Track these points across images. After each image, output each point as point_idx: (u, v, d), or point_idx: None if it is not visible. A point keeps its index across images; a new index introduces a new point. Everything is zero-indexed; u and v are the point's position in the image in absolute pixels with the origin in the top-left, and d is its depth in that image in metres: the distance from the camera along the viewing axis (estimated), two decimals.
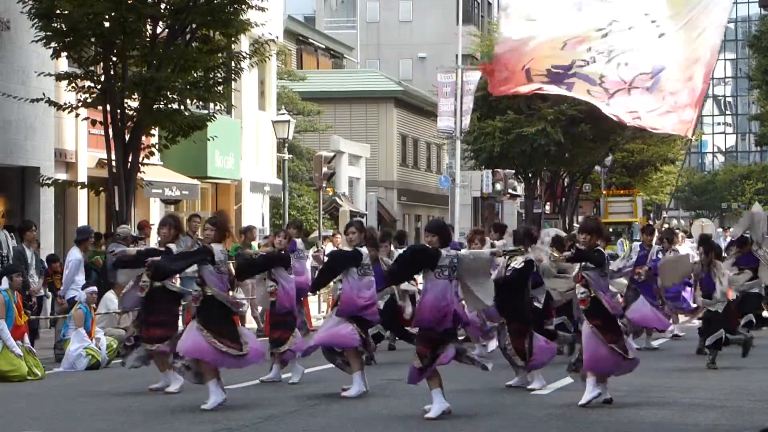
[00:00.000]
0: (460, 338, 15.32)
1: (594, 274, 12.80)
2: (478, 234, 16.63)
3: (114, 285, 19.07)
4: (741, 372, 16.69)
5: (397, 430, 11.25)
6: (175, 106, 23.06)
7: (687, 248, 22.60)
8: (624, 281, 18.23)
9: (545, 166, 49.67)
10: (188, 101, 23.41)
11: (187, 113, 23.26)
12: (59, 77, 22.75)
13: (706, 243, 17.21)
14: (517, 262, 14.19)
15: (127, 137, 22.85)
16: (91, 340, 17.07)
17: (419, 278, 13.21)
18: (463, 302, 12.40)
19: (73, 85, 22.72)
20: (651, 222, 62.92)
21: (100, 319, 18.21)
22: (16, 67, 23.55)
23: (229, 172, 31.43)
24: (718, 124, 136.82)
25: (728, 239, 44.24)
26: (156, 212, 29.23)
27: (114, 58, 22.65)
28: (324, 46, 58.37)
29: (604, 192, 57.87)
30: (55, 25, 22.23)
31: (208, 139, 25.87)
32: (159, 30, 22.95)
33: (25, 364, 15.71)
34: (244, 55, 24.36)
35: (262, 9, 23.24)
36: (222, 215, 13.77)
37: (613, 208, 55.37)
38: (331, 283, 16.32)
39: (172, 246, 13.80)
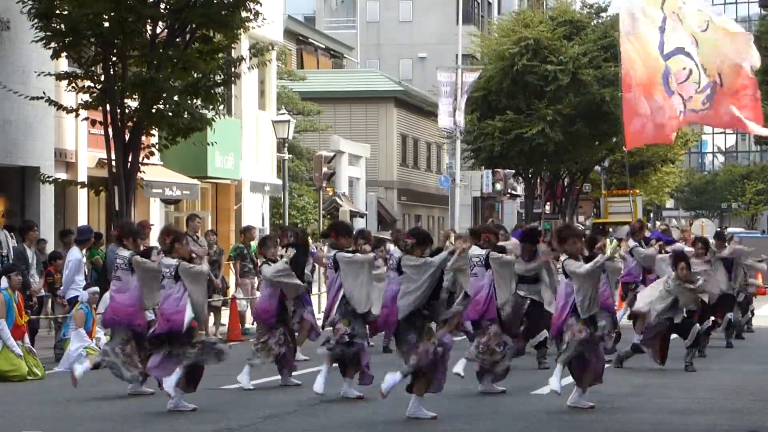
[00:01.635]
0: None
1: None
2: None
3: None
4: (741, 372, 16.70)
5: (398, 430, 11.25)
6: (175, 106, 23.03)
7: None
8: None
9: (545, 166, 49.67)
10: (187, 105, 23.31)
11: (186, 116, 23.20)
12: (59, 77, 22.73)
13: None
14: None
15: (127, 137, 22.84)
16: (92, 340, 17.08)
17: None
18: None
19: (74, 85, 22.71)
20: (650, 222, 62.93)
21: (101, 319, 18.21)
22: (16, 67, 23.53)
23: (229, 172, 31.41)
24: None
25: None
26: (156, 212, 29.22)
27: (114, 59, 22.63)
28: (324, 46, 58.38)
29: (604, 192, 57.87)
30: (55, 25, 22.21)
31: (209, 144, 25.86)
32: (159, 30, 22.93)
33: (25, 364, 15.71)
34: (243, 57, 24.32)
35: (258, 14, 23.15)
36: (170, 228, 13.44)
37: (613, 208, 55.36)
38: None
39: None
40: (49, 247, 21.64)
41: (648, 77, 18.99)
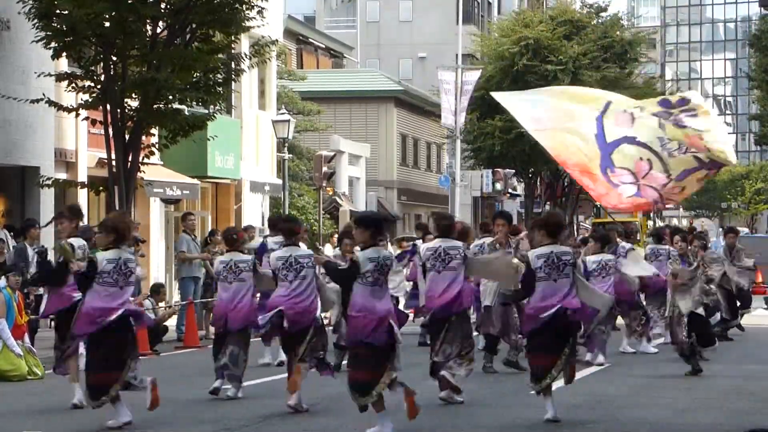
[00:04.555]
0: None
1: None
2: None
3: None
4: (741, 372, 16.70)
5: (399, 429, 11.23)
6: (176, 105, 23.05)
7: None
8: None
9: (545, 166, 49.67)
10: (188, 102, 23.35)
11: (187, 113, 23.26)
12: (59, 78, 22.73)
13: (679, 231, 16.83)
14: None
15: (127, 137, 22.84)
16: None
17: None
18: None
19: (74, 85, 22.72)
20: (651, 222, 62.85)
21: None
22: (16, 67, 23.54)
23: (229, 171, 31.41)
24: None
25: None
26: (156, 212, 29.24)
27: (114, 58, 22.63)
28: (324, 46, 58.38)
29: None
30: (55, 25, 22.22)
31: (208, 139, 25.89)
32: (159, 30, 22.94)
33: (25, 364, 15.71)
34: (244, 56, 24.35)
35: (261, 10, 23.19)
36: (114, 216, 12.40)
37: None
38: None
39: (74, 241, 12.83)
40: (49, 248, 21.62)
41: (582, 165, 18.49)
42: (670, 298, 16.02)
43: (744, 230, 59.93)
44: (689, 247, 16.74)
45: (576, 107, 18.24)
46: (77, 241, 12.92)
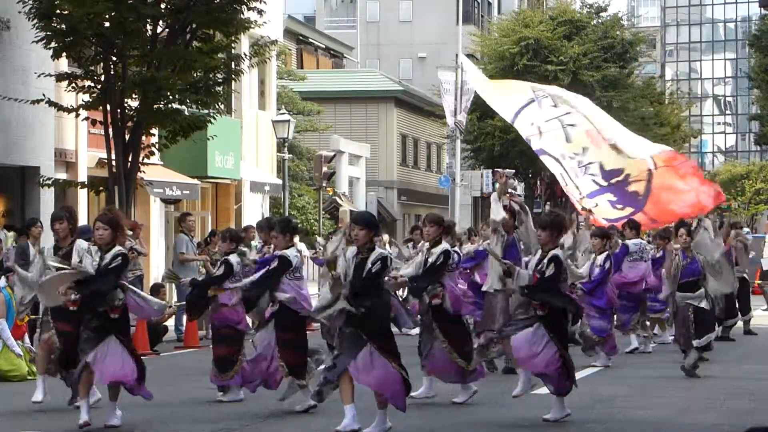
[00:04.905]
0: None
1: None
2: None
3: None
4: (741, 372, 16.70)
5: (399, 430, 11.23)
6: (176, 105, 23.06)
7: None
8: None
9: (545, 166, 49.70)
10: (188, 104, 23.35)
11: (187, 113, 23.29)
12: (59, 78, 22.74)
13: (683, 224, 16.61)
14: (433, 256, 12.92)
15: (127, 137, 22.85)
16: None
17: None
18: None
19: (74, 85, 22.72)
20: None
21: None
22: (16, 67, 23.54)
23: (229, 171, 31.42)
24: (718, 123, 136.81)
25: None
26: (156, 212, 29.24)
27: (114, 58, 22.64)
28: (324, 46, 58.41)
29: None
30: (55, 25, 22.23)
31: (208, 139, 25.89)
32: (159, 30, 22.95)
33: (25, 364, 15.71)
34: (244, 56, 24.36)
35: (261, 12, 23.20)
36: (114, 211, 12.35)
37: None
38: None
39: (79, 242, 12.77)
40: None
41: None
42: (672, 296, 15.99)
43: (744, 230, 59.87)
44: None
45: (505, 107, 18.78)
46: (82, 243, 12.92)
